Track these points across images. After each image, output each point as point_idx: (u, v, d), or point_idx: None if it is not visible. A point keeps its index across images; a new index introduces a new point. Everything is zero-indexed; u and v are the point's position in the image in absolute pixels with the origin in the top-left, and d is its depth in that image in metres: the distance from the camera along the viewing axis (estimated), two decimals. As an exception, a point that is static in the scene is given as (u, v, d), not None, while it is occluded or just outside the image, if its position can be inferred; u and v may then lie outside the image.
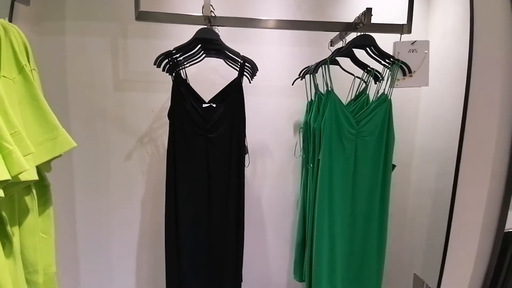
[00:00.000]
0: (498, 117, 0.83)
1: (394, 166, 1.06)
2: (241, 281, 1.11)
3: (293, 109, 1.36)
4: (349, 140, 1.00)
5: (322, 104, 1.03)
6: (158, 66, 0.95)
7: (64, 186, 1.30)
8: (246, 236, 1.07)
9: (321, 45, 1.25)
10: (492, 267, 0.88)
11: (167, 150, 0.97)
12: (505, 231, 0.87)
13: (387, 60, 1.03)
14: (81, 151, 1.28)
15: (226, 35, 1.19)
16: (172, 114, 0.96)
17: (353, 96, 1.19)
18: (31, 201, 0.70)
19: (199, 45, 1.03)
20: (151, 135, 1.32)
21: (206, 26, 0.96)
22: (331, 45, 1.23)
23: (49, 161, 0.70)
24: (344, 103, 1.08)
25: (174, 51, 0.94)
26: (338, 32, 1.15)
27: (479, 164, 0.89)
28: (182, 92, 0.95)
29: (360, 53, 1.10)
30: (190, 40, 0.94)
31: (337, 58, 1.13)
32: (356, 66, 1.15)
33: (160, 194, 0.99)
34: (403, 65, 0.99)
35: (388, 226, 1.09)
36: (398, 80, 1.00)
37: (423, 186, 1.38)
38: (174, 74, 0.96)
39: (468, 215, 0.92)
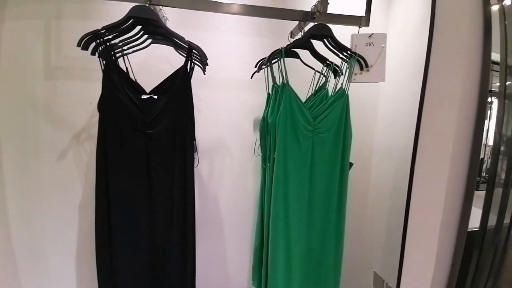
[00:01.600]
0: (457, 114, 0.80)
1: (351, 164, 1.02)
2: (194, 291, 1.01)
3: (254, 104, 1.27)
4: (305, 136, 0.93)
5: (278, 98, 0.96)
6: (84, 49, 0.80)
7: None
8: (202, 241, 0.98)
9: (281, 36, 1.17)
10: (457, 266, 0.85)
11: (97, 147, 0.83)
12: (469, 230, 0.84)
13: (344, 53, 0.98)
14: (8, 147, 1.11)
15: (177, 19, 1.07)
16: (102, 105, 0.82)
17: (313, 91, 1.13)
18: None
19: (139, 28, 0.90)
20: (89, 131, 1.15)
21: (144, 4, 0.83)
22: (291, 37, 1.16)
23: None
24: (303, 98, 1.01)
25: (103, 31, 0.80)
26: (297, 23, 1.08)
27: (436, 162, 0.86)
28: (115, 80, 0.81)
29: (320, 47, 1.04)
30: (122, 18, 0.81)
31: (297, 51, 1.06)
32: (317, 61, 1.09)
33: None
34: (360, 59, 0.94)
35: (346, 225, 1.05)
36: (356, 74, 0.95)
37: (382, 183, 1.37)
38: (105, 59, 0.82)
39: (425, 213, 0.89)
